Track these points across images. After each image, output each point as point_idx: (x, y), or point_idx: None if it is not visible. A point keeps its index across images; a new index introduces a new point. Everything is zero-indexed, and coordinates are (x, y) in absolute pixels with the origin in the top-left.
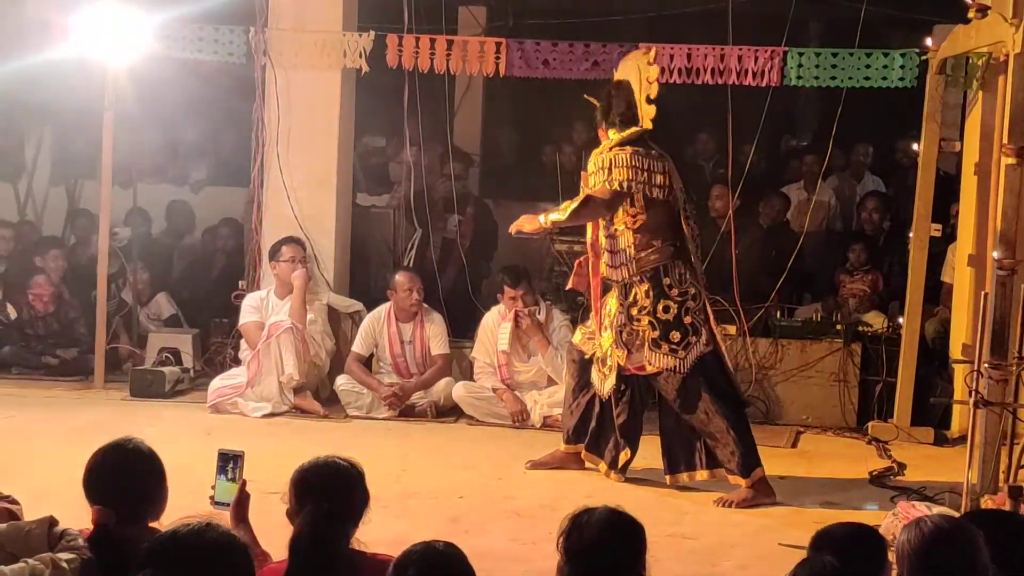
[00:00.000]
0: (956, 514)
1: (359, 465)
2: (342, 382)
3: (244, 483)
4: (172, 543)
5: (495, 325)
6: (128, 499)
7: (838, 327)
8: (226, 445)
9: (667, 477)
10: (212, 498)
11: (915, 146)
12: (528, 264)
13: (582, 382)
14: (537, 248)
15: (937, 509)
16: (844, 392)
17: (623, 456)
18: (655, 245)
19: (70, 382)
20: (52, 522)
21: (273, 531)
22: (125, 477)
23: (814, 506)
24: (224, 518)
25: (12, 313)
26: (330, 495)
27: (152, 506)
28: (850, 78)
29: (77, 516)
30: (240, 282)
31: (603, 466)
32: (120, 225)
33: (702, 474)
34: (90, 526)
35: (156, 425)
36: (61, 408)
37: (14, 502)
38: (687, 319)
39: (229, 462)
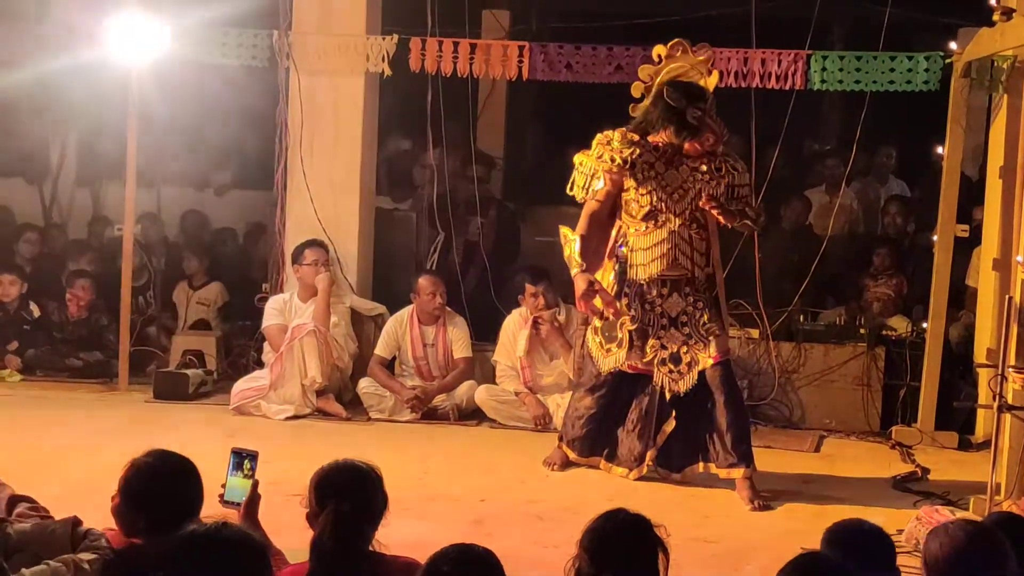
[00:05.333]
0: (978, 518)
1: (378, 468)
2: (364, 385)
3: (256, 483)
4: (189, 543)
5: (516, 328)
6: (163, 510)
7: (862, 331)
8: (249, 447)
9: (677, 474)
10: (221, 496)
11: (939, 149)
12: (551, 268)
13: (608, 393)
14: (559, 254)
15: (960, 514)
16: (868, 396)
17: (650, 455)
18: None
19: (94, 384)
20: (76, 522)
21: (292, 533)
22: (162, 488)
23: (837, 510)
24: (234, 517)
25: (36, 311)
26: (350, 496)
27: (188, 519)
28: (874, 81)
29: (101, 516)
30: (264, 285)
31: (625, 471)
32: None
33: (702, 467)
34: (113, 526)
35: (179, 427)
36: (85, 410)
37: (36, 506)
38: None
39: (243, 461)
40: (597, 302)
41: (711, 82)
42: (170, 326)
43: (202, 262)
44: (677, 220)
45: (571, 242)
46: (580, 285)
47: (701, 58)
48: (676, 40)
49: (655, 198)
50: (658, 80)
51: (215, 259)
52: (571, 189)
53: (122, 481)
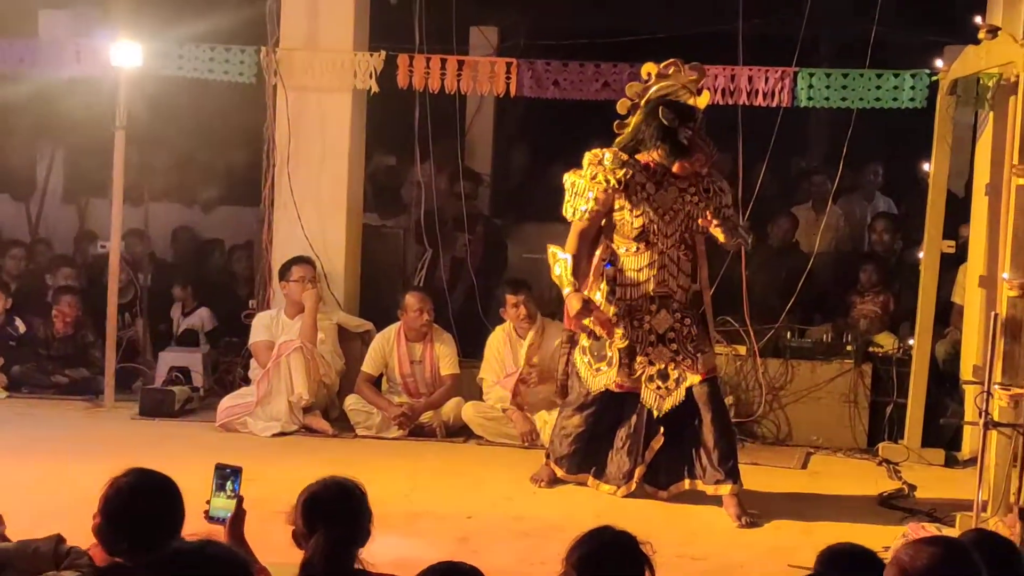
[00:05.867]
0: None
1: (362, 485)
2: (351, 402)
3: (241, 499)
4: (173, 561)
5: (501, 344)
6: (144, 530)
7: (849, 348)
8: (233, 463)
9: (664, 492)
10: (207, 512)
11: (925, 166)
12: (537, 285)
13: (596, 412)
14: (546, 271)
15: (947, 531)
16: (854, 413)
17: (638, 472)
18: None
19: (80, 401)
20: (59, 540)
21: (278, 549)
22: (143, 508)
23: (824, 527)
24: (219, 533)
25: (21, 327)
26: (341, 519)
27: (169, 537)
28: (861, 99)
29: (85, 534)
30: (251, 301)
31: (612, 488)
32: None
33: (688, 484)
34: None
35: (165, 444)
36: (70, 426)
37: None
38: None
39: (228, 477)
40: (587, 322)
41: (701, 102)
42: (162, 334)
43: (190, 289)
44: (667, 241)
45: (561, 261)
46: (575, 304)
47: (692, 77)
48: (672, 60)
49: (647, 219)
50: (646, 98)
51: (202, 273)
52: (566, 211)
53: (102, 501)
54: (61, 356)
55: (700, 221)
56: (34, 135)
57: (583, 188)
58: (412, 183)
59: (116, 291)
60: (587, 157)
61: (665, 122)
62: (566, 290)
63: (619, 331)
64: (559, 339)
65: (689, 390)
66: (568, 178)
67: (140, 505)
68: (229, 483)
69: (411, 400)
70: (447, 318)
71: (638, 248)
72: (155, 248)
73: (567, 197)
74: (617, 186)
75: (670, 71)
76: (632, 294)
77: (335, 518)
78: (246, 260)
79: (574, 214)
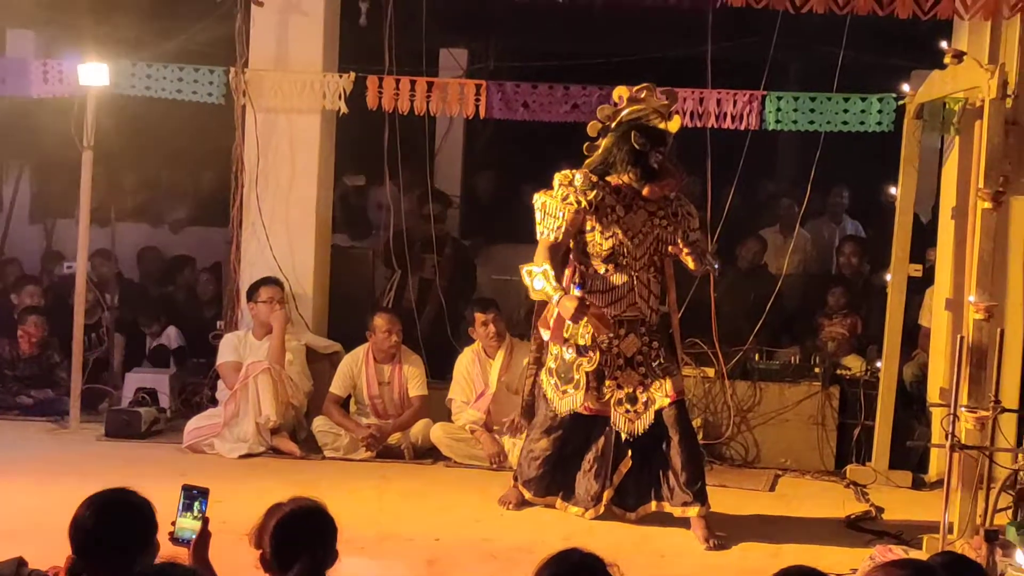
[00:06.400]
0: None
1: (324, 503)
2: (319, 423)
3: (207, 521)
4: None
5: (470, 364)
6: (116, 551)
7: (816, 370)
8: (200, 485)
9: (632, 514)
10: (171, 534)
11: (892, 190)
12: (505, 307)
13: (564, 434)
14: (515, 293)
15: (914, 553)
16: (822, 435)
17: (607, 494)
18: None
19: (45, 422)
20: (21, 563)
21: (243, 572)
22: (115, 529)
23: (792, 550)
24: (183, 556)
25: None
26: (318, 542)
27: (142, 558)
28: (828, 122)
29: (47, 557)
30: (218, 322)
31: (580, 510)
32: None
33: (655, 506)
34: (59, 565)
35: (131, 465)
36: (34, 448)
37: None
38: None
39: (195, 498)
40: (579, 327)
41: (672, 126)
42: (131, 353)
43: (156, 317)
44: (637, 264)
45: (539, 273)
46: (570, 305)
47: (664, 102)
48: (644, 84)
49: (616, 241)
50: (617, 120)
51: (169, 293)
52: (538, 232)
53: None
54: (26, 376)
55: (670, 248)
56: (0, 155)
57: (554, 208)
58: (380, 204)
59: (83, 311)
60: (558, 178)
61: (636, 146)
62: (556, 296)
63: (613, 332)
64: (527, 359)
65: (658, 412)
66: (538, 199)
67: (109, 536)
68: (196, 504)
69: (379, 421)
70: (416, 339)
71: (607, 270)
72: (122, 268)
73: (538, 218)
74: (588, 207)
75: (642, 95)
76: None
77: (311, 543)
78: (214, 283)
79: (544, 233)
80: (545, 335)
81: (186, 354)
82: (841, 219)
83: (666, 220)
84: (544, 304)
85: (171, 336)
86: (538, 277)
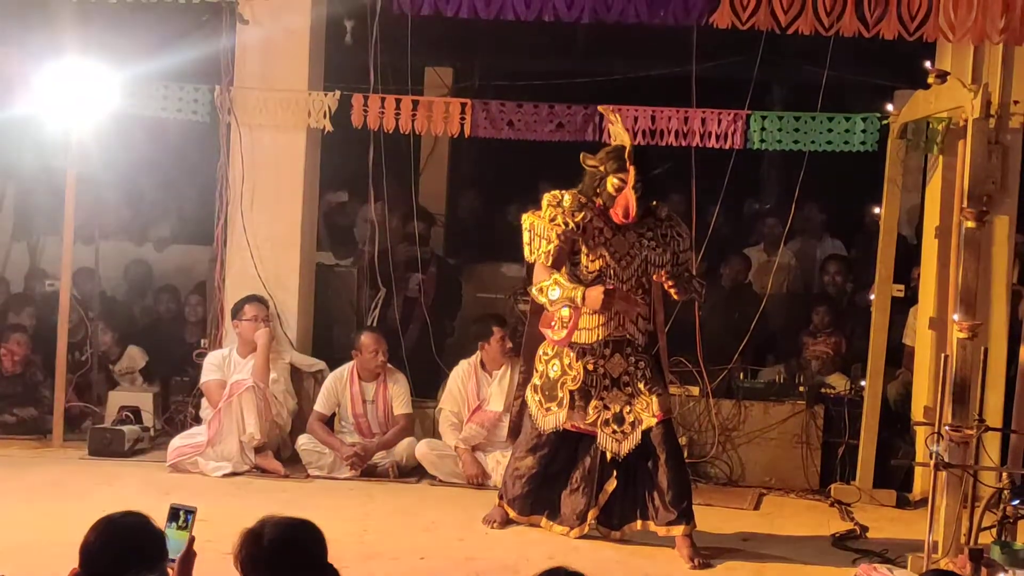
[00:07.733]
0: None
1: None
2: (304, 442)
3: (192, 539)
4: None
5: (467, 377)
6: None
7: (801, 389)
8: (185, 504)
9: (617, 532)
10: None
11: (876, 209)
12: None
13: (549, 453)
14: (502, 308)
15: (899, 572)
16: (807, 454)
17: (592, 513)
18: None
19: (28, 440)
20: None
21: None
22: (126, 551)
23: (776, 568)
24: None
25: None
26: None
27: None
28: (812, 141)
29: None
30: (202, 340)
31: (565, 529)
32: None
33: (640, 524)
34: None
35: (115, 484)
36: (17, 467)
37: None
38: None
39: (180, 517)
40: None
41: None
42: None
43: (113, 336)
44: (624, 286)
45: (551, 285)
46: (597, 296)
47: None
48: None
49: (603, 263)
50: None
51: (155, 318)
52: (527, 253)
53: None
54: (9, 395)
55: (654, 277)
56: None
57: (542, 229)
58: (365, 221)
59: (66, 330)
60: (546, 198)
61: (587, 168)
62: (579, 295)
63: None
64: (518, 378)
65: (645, 432)
66: (526, 219)
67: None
68: (181, 523)
69: (363, 440)
70: (400, 358)
71: None
72: (106, 287)
73: (526, 239)
74: (576, 229)
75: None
76: (585, 338)
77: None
78: (203, 305)
79: (533, 255)
80: (555, 337)
81: (152, 369)
82: (822, 236)
83: (655, 242)
84: (538, 314)
85: (134, 357)
86: (552, 288)
